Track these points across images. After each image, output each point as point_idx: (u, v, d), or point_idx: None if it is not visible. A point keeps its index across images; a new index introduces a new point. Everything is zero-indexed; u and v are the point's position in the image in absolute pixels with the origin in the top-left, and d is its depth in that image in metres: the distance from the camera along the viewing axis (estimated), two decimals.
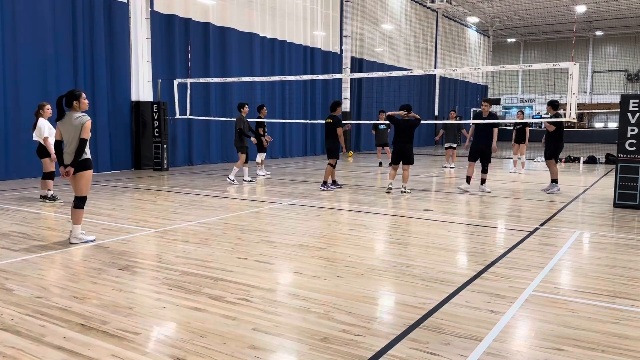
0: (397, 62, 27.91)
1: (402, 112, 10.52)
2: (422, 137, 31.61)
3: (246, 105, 12.14)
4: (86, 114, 6.02)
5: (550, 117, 10.93)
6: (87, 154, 6.03)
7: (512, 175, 14.60)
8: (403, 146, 10.40)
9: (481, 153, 10.61)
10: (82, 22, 13.25)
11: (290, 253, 5.72)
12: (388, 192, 10.47)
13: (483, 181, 10.75)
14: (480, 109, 10.82)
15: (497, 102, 44.83)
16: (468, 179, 10.91)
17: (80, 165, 5.95)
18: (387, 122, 16.04)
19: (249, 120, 12.21)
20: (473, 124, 11.01)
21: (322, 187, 10.88)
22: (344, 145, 10.80)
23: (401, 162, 10.50)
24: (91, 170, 6.09)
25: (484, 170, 10.73)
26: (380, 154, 17.29)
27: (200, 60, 16.60)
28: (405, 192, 10.42)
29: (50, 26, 12.52)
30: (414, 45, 29.80)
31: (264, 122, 13.30)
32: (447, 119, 18.94)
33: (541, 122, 10.82)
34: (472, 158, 10.83)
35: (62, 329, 3.57)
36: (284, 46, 20.19)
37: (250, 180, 12.13)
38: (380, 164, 16.96)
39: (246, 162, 12.16)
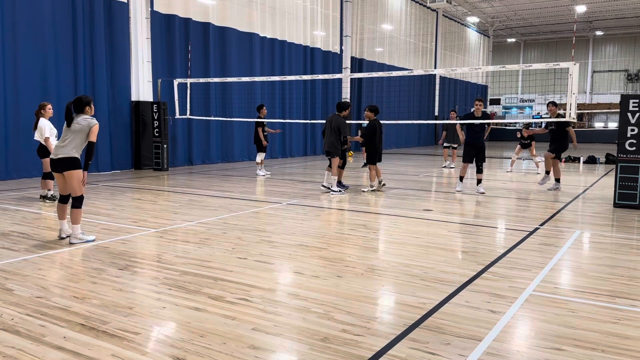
0: (397, 62, 27.91)
1: (371, 114, 10.57)
2: (422, 137, 31.63)
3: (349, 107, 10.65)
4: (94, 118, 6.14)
5: (551, 117, 10.90)
6: (77, 154, 6.01)
7: (508, 174, 14.62)
8: (381, 146, 10.68)
9: (476, 153, 10.47)
10: (82, 22, 13.25)
11: (290, 253, 5.72)
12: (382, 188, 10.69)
13: (479, 181, 10.69)
14: (473, 109, 10.72)
15: (497, 102, 44.91)
16: (461, 179, 10.87)
17: (69, 163, 5.93)
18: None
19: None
20: (462, 124, 10.93)
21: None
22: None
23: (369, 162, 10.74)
24: (81, 170, 6.03)
25: (479, 171, 10.62)
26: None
27: (200, 60, 16.60)
28: (371, 190, 10.67)
29: (50, 26, 12.51)
30: (414, 45, 29.80)
31: (263, 122, 13.35)
32: (448, 119, 18.95)
33: (551, 122, 10.70)
34: (468, 159, 10.58)
35: (62, 329, 3.57)
36: (284, 46, 20.19)
37: (330, 188, 10.52)
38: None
39: (342, 167, 10.78)
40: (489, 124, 10.69)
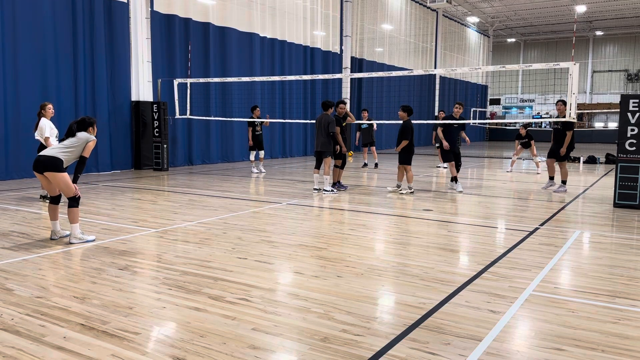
0: (397, 62, 27.90)
1: (404, 115, 10.53)
2: (422, 137, 31.61)
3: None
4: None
5: (559, 117, 10.85)
6: (60, 155, 5.97)
7: (508, 174, 14.62)
8: (412, 147, 10.58)
9: (455, 153, 10.99)
10: (82, 22, 13.25)
11: (290, 253, 5.72)
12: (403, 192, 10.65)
13: (455, 179, 11.04)
14: (452, 112, 11.08)
15: (497, 102, 44.91)
16: (455, 179, 11.01)
17: (51, 164, 5.89)
18: (370, 122, 16.04)
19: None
20: (442, 127, 11.10)
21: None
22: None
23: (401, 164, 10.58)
24: (65, 174, 5.99)
25: (457, 169, 11.14)
26: (366, 154, 16.74)
27: (200, 60, 16.60)
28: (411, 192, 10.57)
29: (50, 26, 12.51)
30: (414, 45, 29.79)
31: (255, 121, 13.53)
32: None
33: (558, 121, 10.69)
34: (448, 159, 11.01)
35: (62, 329, 3.57)
36: (284, 46, 20.19)
37: (324, 189, 10.43)
38: (366, 164, 16.53)
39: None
40: (463, 129, 11.33)
